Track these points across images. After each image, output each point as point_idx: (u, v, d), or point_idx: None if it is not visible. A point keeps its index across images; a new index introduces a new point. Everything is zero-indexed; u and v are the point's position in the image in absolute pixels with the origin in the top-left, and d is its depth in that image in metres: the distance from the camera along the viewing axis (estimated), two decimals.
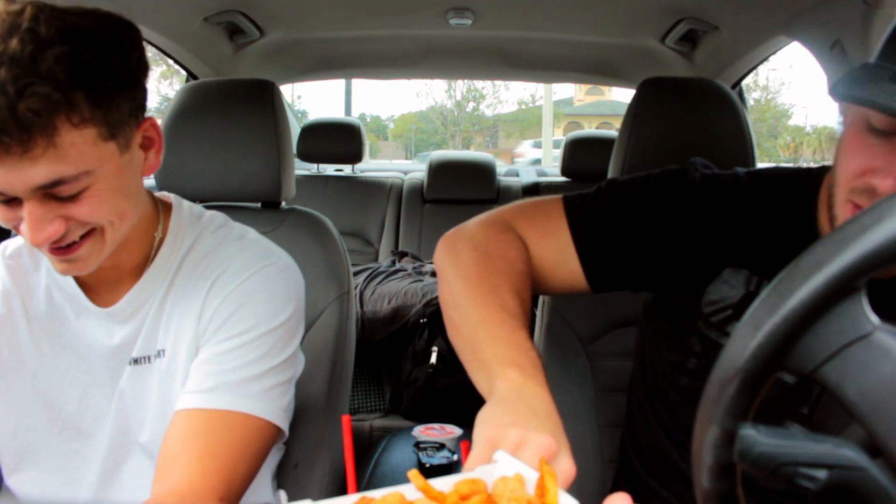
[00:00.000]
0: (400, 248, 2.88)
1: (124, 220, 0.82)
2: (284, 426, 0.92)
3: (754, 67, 2.05)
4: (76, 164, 0.73)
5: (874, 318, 0.44)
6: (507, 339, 0.74)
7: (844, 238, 0.43)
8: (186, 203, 0.98)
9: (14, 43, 0.67)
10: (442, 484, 0.51)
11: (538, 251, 0.91)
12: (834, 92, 0.68)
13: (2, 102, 0.66)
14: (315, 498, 1.12)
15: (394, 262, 2.56)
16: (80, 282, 0.92)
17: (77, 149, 0.72)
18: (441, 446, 1.75)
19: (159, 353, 0.91)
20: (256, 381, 0.88)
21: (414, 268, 2.48)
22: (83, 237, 0.79)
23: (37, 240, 0.75)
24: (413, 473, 0.50)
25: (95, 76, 0.72)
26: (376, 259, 2.96)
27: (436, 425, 1.91)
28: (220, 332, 0.89)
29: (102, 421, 0.93)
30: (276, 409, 0.90)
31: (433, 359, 2.13)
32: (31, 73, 0.67)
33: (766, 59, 1.97)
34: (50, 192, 0.73)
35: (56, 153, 0.71)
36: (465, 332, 0.78)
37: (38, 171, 0.71)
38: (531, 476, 0.52)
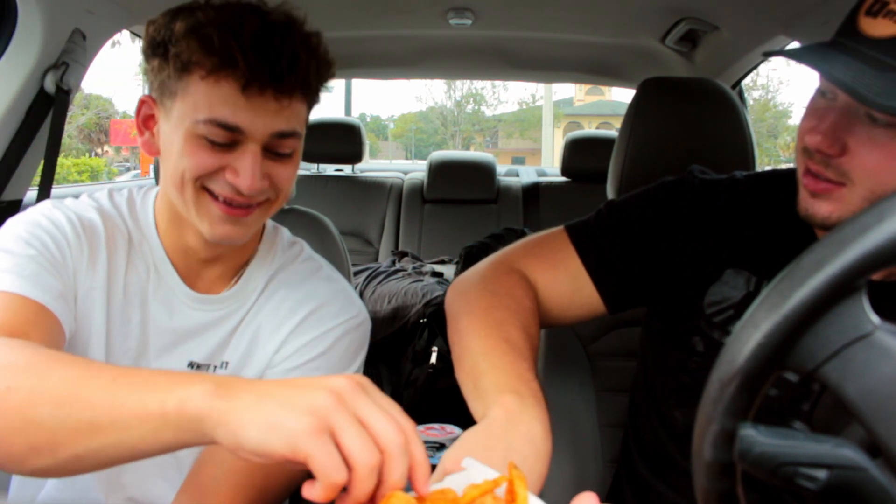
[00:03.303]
0: (400, 248, 2.88)
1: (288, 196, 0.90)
2: None
3: (754, 67, 2.05)
4: (300, 124, 0.84)
5: (874, 318, 0.44)
6: (509, 369, 0.74)
7: (845, 238, 0.43)
8: (282, 228, 1.02)
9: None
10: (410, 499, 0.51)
11: (551, 285, 0.91)
12: (768, 52, 0.75)
13: (296, 56, 0.79)
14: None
15: (394, 262, 2.56)
16: (174, 264, 0.92)
17: (302, 115, 0.85)
18: (441, 446, 1.75)
19: (223, 365, 0.92)
20: None
21: (414, 268, 2.48)
22: (257, 204, 0.85)
23: (249, 186, 0.80)
24: None
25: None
26: (376, 259, 2.96)
27: (436, 425, 1.91)
28: (290, 373, 0.90)
29: None
30: None
31: (433, 359, 2.13)
32: (314, 47, 0.83)
33: (766, 58, 1.97)
34: (274, 146, 0.82)
35: (294, 110, 0.82)
36: (467, 364, 0.78)
37: (282, 120, 0.81)
38: (500, 481, 0.52)
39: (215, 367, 0.92)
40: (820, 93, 0.75)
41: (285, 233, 1.03)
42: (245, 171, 0.80)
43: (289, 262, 0.98)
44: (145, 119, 0.87)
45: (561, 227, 0.95)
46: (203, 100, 0.79)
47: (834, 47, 0.70)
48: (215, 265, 0.94)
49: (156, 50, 0.82)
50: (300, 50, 0.80)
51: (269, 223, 1.01)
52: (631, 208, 0.93)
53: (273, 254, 0.98)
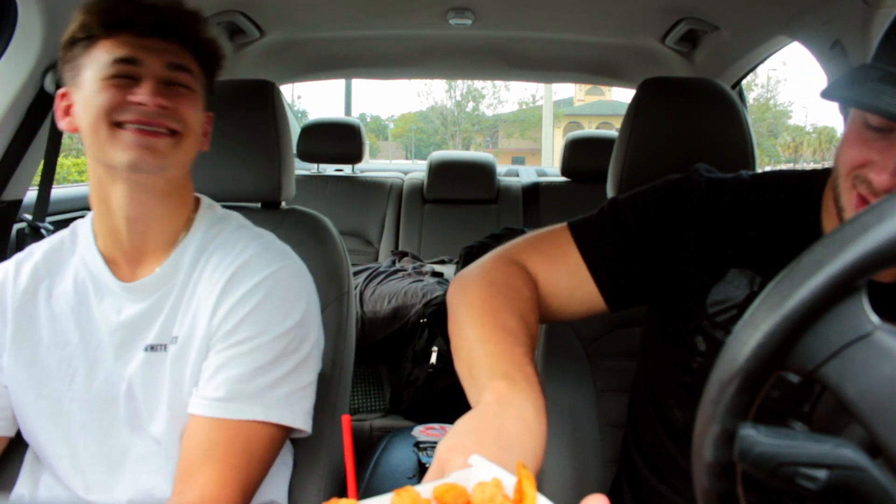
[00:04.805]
0: (400, 248, 2.88)
1: (196, 142, 0.98)
2: (308, 427, 0.97)
3: (754, 67, 2.06)
4: (189, 64, 0.96)
5: (874, 318, 0.44)
6: (503, 354, 0.74)
7: (845, 238, 0.43)
8: (217, 206, 1.07)
9: None
10: (421, 491, 0.51)
11: (551, 279, 0.91)
12: (826, 94, 0.71)
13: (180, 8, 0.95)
14: (316, 499, 1.12)
15: (394, 262, 2.56)
16: (108, 259, 0.98)
17: (189, 60, 0.96)
18: None
19: (173, 340, 0.95)
20: (273, 389, 0.92)
21: (414, 268, 2.48)
22: (169, 135, 0.92)
23: (149, 100, 0.90)
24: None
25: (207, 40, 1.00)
26: (376, 259, 2.96)
27: (436, 425, 1.91)
28: (232, 335, 0.92)
29: (111, 401, 0.96)
30: (297, 414, 0.95)
31: (433, 359, 2.13)
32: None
33: (765, 58, 1.97)
34: (169, 77, 0.93)
35: (182, 52, 0.96)
36: (463, 353, 0.78)
37: (172, 55, 0.94)
38: (509, 481, 0.52)
39: (166, 345, 0.95)
40: (867, 124, 0.73)
41: (217, 209, 1.07)
42: (147, 90, 0.90)
43: (220, 233, 1.01)
44: (65, 109, 0.97)
45: (564, 224, 0.94)
46: (106, 56, 0.92)
47: (889, 81, 0.68)
48: (146, 241, 0.97)
49: (70, 44, 0.94)
50: (177, 8, 0.96)
51: (206, 200, 1.06)
52: (634, 206, 0.92)
53: (204, 229, 1.01)
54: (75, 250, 1.02)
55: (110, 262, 0.98)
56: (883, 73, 0.69)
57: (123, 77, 0.91)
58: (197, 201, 1.05)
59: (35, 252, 1.03)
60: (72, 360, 0.96)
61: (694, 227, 0.88)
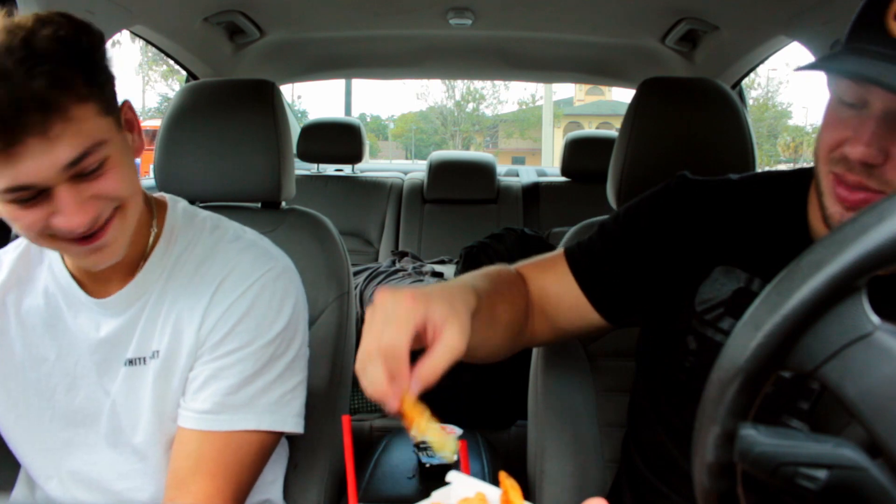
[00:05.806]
0: (400, 248, 2.88)
1: (140, 196, 0.86)
2: (299, 428, 0.96)
3: (754, 67, 2.06)
4: (91, 135, 0.76)
5: (874, 318, 0.44)
6: (446, 283, 0.77)
7: (845, 238, 0.43)
8: (182, 203, 1.00)
9: (4, 35, 0.71)
10: None
11: (540, 284, 0.95)
12: (800, 68, 0.73)
13: (14, 88, 0.69)
14: (316, 499, 1.12)
15: (394, 262, 2.56)
16: (76, 276, 0.93)
17: (88, 122, 0.76)
18: None
19: (154, 354, 0.92)
20: (262, 396, 0.91)
21: (414, 268, 2.48)
22: (108, 220, 0.81)
23: (80, 223, 0.77)
24: None
25: (86, 53, 0.76)
26: (376, 259, 2.96)
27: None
28: (221, 346, 0.90)
29: (94, 417, 0.94)
30: (287, 417, 0.93)
31: None
32: (31, 56, 0.70)
33: (766, 58, 1.98)
34: (77, 171, 0.76)
35: (72, 128, 0.74)
36: None
37: (63, 149, 0.73)
38: (493, 493, 0.52)
39: (145, 358, 0.92)
40: (841, 102, 0.74)
41: (183, 206, 0.99)
42: (69, 210, 0.76)
43: (195, 240, 0.96)
44: None
45: (561, 250, 0.99)
46: None
47: (859, 53, 0.69)
48: (112, 267, 0.90)
49: None
50: (27, 81, 0.70)
51: (170, 201, 0.98)
52: (621, 222, 0.96)
53: (175, 236, 0.95)
54: (42, 259, 0.96)
55: (79, 280, 0.93)
56: (850, 48, 0.71)
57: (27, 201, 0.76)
58: (160, 204, 0.97)
59: (3, 260, 0.97)
60: (50, 377, 0.93)
61: (679, 229, 0.90)
